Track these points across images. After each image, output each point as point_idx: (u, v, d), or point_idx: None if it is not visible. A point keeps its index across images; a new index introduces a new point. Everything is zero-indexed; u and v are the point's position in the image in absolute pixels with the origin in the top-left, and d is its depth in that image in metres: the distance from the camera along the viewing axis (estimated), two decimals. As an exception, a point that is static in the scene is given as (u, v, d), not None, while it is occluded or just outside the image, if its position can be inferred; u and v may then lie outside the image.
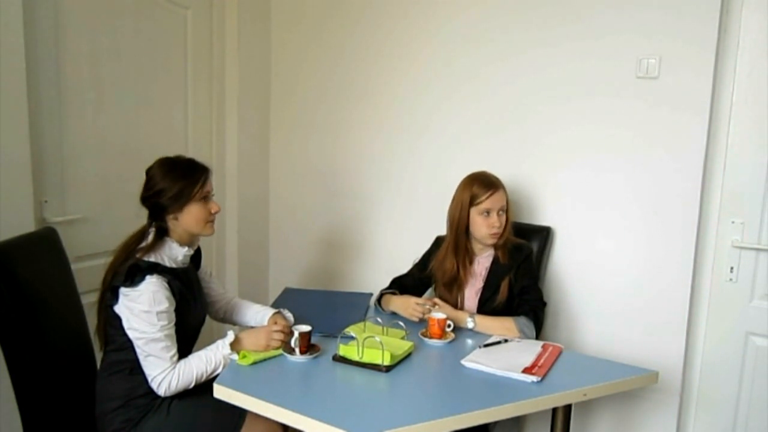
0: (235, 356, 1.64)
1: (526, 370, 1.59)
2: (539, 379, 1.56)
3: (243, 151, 2.87)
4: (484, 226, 2.00)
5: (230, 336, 1.68)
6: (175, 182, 1.67)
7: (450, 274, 2.06)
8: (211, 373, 1.63)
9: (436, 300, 1.99)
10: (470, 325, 1.92)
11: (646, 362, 1.95)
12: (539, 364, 1.64)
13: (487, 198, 1.99)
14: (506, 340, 1.83)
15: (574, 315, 2.31)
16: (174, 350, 1.61)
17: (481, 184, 2.01)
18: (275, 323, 1.77)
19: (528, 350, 1.75)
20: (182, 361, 1.62)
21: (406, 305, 2.00)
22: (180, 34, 2.57)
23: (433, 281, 2.15)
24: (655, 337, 2.15)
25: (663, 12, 2.04)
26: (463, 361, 1.66)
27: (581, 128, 2.23)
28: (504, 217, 2.01)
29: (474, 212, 2.01)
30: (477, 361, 1.66)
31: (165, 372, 1.59)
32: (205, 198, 1.72)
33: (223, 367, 1.63)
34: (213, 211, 1.74)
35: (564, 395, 1.54)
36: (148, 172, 1.71)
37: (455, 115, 2.49)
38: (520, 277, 2.01)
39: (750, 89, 2.01)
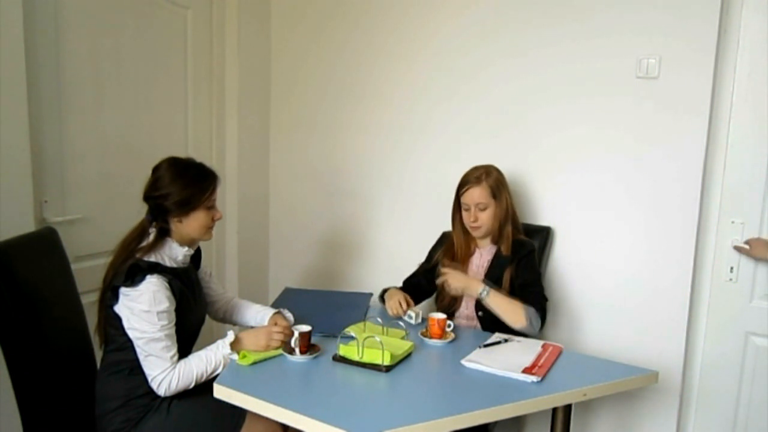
0: (235, 356, 1.64)
1: (526, 370, 1.59)
2: (539, 379, 1.56)
3: (243, 151, 2.87)
4: (465, 217, 2.04)
5: (230, 336, 1.68)
6: (184, 188, 1.66)
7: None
8: (211, 373, 1.63)
9: (445, 269, 1.98)
10: (483, 294, 1.91)
11: (646, 362, 1.95)
12: (539, 364, 1.64)
13: (463, 192, 2.03)
14: (506, 340, 1.83)
15: (574, 315, 2.31)
16: (174, 350, 1.61)
17: (465, 177, 2.05)
18: (275, 323, 1.77)
19: (528, 350, 1.75)
20: (182, 361, 1.62)
21: (392, 298, 2.04)
22: (180, 34, 2.57)
23: (437, 273, 2.14)
24: (656, 337, 2.15)
25: (663, 12, 2.04)
26: (463, 361, 1.66)
27: (581, 128, 2.23)
28: (484, 214, 2.01)
29: (460, 202, 2.06)
30: (477, 361, 1.66)
31: (165, 372, 1.59)
32: (211, 206, 1.72)
33: (223, 367, 1.63)
34: (215, 219, 1.74)
35: (564, 395, 1.54)
36: (156, 171, 1.69)
37: (455, 115, 2.49)
38: (522, 272, 2.01)
39: (750, 89, 2.01)
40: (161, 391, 1.59)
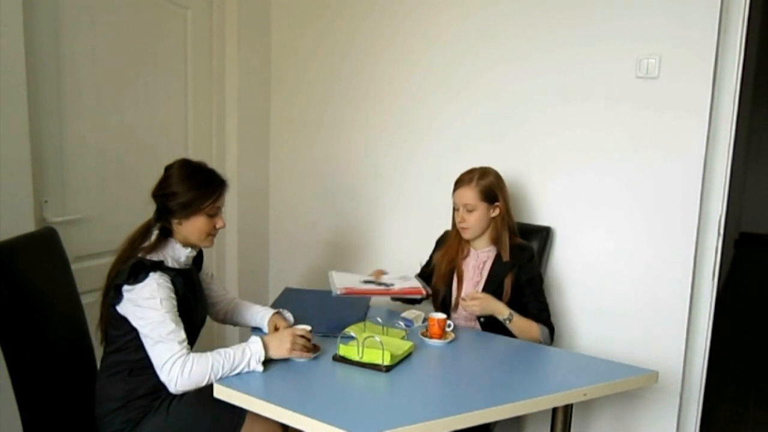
0: (261, 368, 1.58)
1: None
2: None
3: (243, 151, 2.86)
4: (455, 216, 2.05)
5: (259, 349, 1.57)
6: (190, 190, 1.65)
7: (447, 265, 2.07)
8: (228, 371, 1.55)
9: (478, 296, 1.93)
10: (507, 320, 1.91)
11: (646, 362, 1.94)
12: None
13: (454, 192, 2.03)
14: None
15: (574, 315, 2.31)
16: (183, 336, 1.55)
17: (459, 176, 2.05)
18: (284, 326, 1.75)
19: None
20: (197, 353, 1.55)
21: None
22: (180, 34, 2.57)
23: (434, 273, 2.12)
24: (655, 337, 2.15)
25: (663, 12, 2.04)
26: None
27: (581, 129, 2.23)
28: (472, 216, 1.99)
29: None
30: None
31: (176, 355, 1.51)
32: (214, 213, 1.71)
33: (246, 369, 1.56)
34: (217, 227, 1.72)
35: (564, 395, 1.54)
36: (168, 170, 1.69)
37: (457, 117, 2.49)
38: (524, 279, 2.01)
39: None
40: (172, 379, 1.50)
